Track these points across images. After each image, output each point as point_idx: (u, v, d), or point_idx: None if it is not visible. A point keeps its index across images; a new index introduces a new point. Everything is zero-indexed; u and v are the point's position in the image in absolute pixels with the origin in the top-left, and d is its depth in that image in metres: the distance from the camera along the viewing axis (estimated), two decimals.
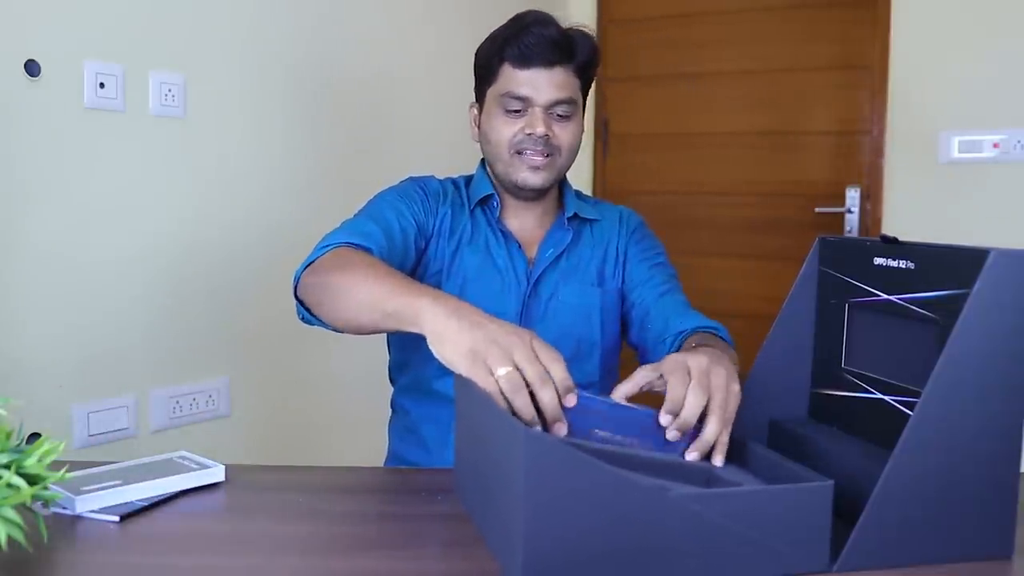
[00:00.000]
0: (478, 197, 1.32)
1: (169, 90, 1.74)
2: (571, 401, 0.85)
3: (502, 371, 0.82)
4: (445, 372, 1.01)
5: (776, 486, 0.80)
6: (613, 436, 0.89)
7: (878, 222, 2.61)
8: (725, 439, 0.89)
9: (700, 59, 2.88)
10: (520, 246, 1.31)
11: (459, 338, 0.86)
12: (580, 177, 3.01)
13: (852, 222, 2.63)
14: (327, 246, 1.13)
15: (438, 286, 1.27)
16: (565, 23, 1.27)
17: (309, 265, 1.11)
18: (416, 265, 1.28)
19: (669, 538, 0.74)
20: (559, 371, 0.85)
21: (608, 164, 3.03)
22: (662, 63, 2.95)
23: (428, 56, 2.39)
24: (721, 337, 1.21)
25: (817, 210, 2.69)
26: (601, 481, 0.73)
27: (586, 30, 1.29)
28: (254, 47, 1.92)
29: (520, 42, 1.23)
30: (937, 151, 2.52)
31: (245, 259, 1.92)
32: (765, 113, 2.79)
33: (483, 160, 1.37)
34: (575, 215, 1.34)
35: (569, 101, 1.26)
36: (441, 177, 1.39)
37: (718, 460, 0.89)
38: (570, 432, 0.86)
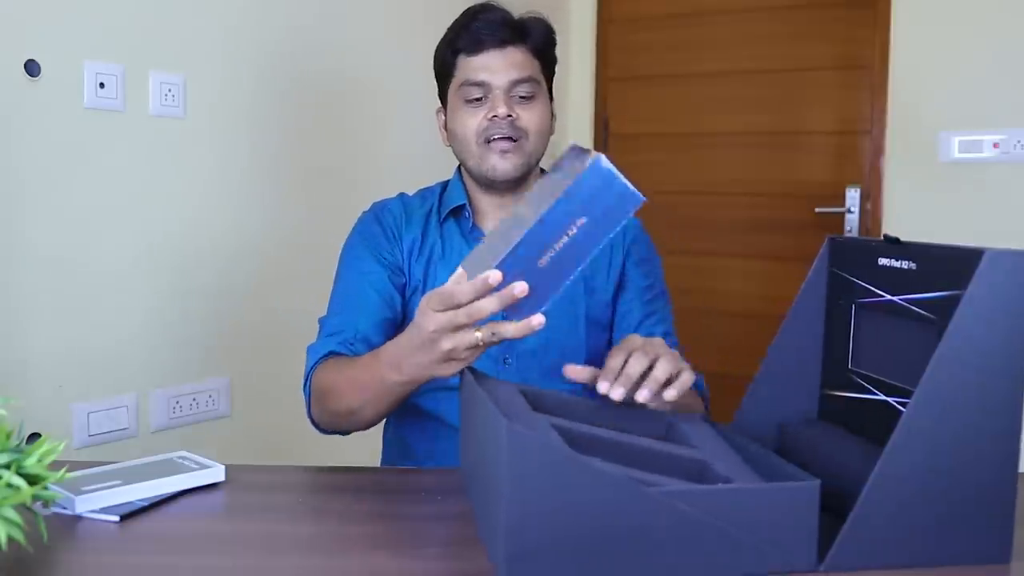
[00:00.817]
0: (448, 208, 1.28)
1: (169, 90, 1.74)
2: (497, 278, 0.84)
3: (475, 337, 0.86)
4: (421, 390, 1.05)
5: (761, 484, 0.80)
6: (555, 252, 0.85)
7: (878, 222, 2.61)
8: (683, 379, 0.97)
9: (700, 59, 2.88)
10: None
11: (422, 369, 0.93)
12: None
13: (852, 222, 2.63)
14: (309, 372, 1.16)
15: (415, 306, 1.26)
16: (516, 14, 1.26)
17: (309, 401, 1.17)
18: (403, 294, 1.26)
19: (653, 534, 0.74)
20: (463, 292, 0.84)
21: None
22: (662, 63, 2.95)
23: (430, 56, 2.39)
24: (697, 387, 1.20)
25: (817, 210, 2.69)
26: (583, 476, 0.73)
27: (538, 15, 1.27)
28: (254, 47, 1.92)
29: (468, 29, 1.23)
30: (937, 151, 2.52)
31: (245, 259, 1.92)
32: (765, 113, 2.79)
33: (458, 167, 1.33)
34: None
35: (529, 80, 1.22)
36: (438, 179, 1.38)
37: (671, 393, 0.96)
38: (532, 285, 0.85)
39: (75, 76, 1.58)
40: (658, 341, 1.01)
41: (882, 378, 0.91)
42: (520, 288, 0.84)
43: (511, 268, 0.85)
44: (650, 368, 0.96)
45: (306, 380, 1.17)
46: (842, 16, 2.67)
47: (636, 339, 1.00)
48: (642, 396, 0.95)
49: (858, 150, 2.67)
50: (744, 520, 0.76)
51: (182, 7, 1.76)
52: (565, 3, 3.01)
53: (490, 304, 0.84)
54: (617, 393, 0.95)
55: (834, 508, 0.79)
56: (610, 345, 1.31)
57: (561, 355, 1.24)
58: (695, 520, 0.75)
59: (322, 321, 1.25)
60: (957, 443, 0.78)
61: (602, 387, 0.96)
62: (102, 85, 1.62)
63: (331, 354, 1.16)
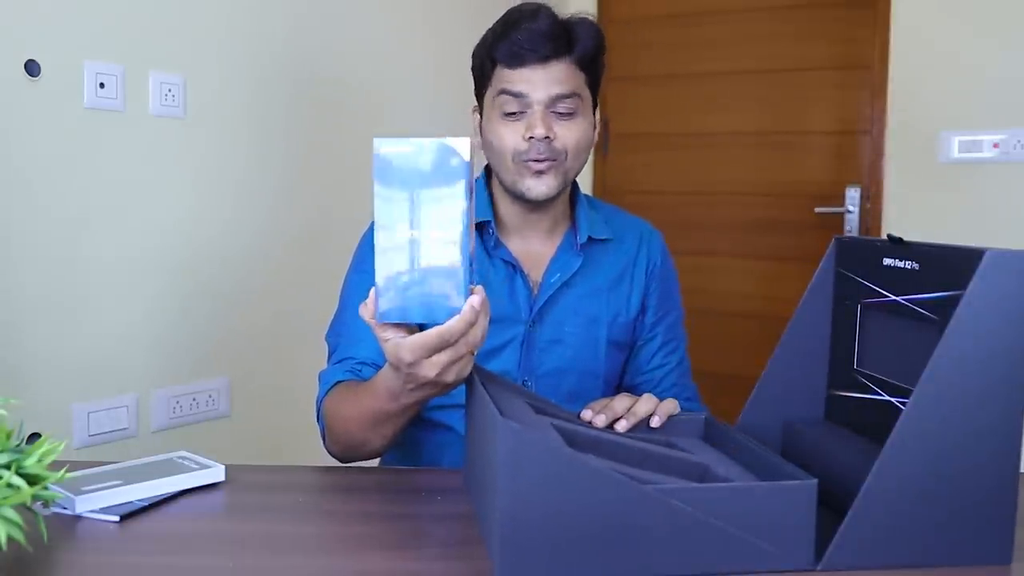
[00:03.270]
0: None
1: (169, 90, 1.74)
2: (477, 300, 0.81)
3: (462, 366, 0.86)
4: (431, 405, 1.06)
5: (757, 483, 0.80)
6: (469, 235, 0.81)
7: (878, 222, 2.61)
8: (656, 416, 1.03)
9: (700, 59, 2.88)
10: (524, 272, 1.22)
11: (426, 399, 0.92)
12: (580, 177, 3.00)
13: (852, 222, 2.63)
14: (320, 403, 1.14)
15: None
16: (564, 13, 1.20)
17: (324, 433, 1.14)
18: None
19: (650, 532, 0.75)
20: (454, 331, 0.81)
21: (608, 164, 3.03)
22: (662, 63, 2.95)
23: (429, 56, 2.39)
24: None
25: (817, 210, 2.69)
26: (580, 473, 0.74)
27: (587, 16, 1.19)
28: (254, 47, 1.92)
29: (509, 40, 1.15)
30: (937, 151, 2.52)
31: (245, 259, 1.92)
32: (765, 113, 2.79)
33: (484, 173, 1.28)
34: (588, 238, 1.24)
35: (571, 95, 1.16)
36: None
37: (655, 420, 1.02)
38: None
39: (75, 76, 1.58)
40: (648, 396, 1.07)
41: (886, 379, 0.91)
42: (477, 299, 0.81)
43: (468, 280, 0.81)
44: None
45: (318, 411, 1.15)
46: (842, 16, 2.67)
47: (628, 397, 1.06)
48: (621, 426, 1.01)
49: (858, 150, 2.67)
50: (742, 519, 0.76)
51: (182, 7, 1.76)
52: (566, 3, 3.01)
53: (481, 326, 0.82)
54: (599, 420, 1.01)
55: (839, 509, 0.79)
56: (626, 365, 1.31)
57: (580, 378, 1.24)
58: (692, 519, 0.75)
59: (330, 340, 1.22)
60: (956, 443, 0.78)
61: (586, 415, 1.03)
62: (102, 85, 1.62)
63: (338, 382, 1.13)
